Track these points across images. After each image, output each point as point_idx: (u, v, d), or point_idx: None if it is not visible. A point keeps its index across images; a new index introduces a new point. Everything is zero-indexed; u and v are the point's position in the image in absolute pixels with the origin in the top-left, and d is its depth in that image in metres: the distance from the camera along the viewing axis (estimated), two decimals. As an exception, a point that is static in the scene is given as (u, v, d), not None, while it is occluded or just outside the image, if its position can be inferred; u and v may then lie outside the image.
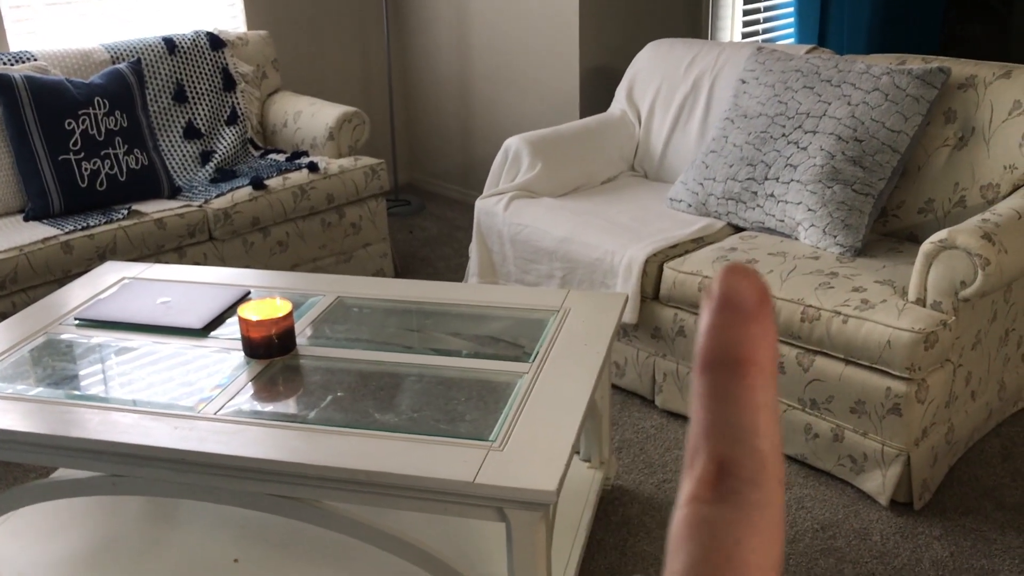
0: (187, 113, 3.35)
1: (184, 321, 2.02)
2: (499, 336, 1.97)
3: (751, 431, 0.23)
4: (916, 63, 2.55)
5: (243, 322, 1.84)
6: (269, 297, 1.92)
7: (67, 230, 2.71)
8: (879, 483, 2.12)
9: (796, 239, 2.51)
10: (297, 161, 3.25)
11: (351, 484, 1.50)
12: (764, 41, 4.26)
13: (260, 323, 1.83)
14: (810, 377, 2.19)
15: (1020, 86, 2.36)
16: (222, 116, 3.40)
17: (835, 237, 2.40)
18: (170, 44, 3.34)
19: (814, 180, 2.44)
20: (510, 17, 3.84)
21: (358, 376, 1.81)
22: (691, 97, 3.05)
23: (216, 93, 3.41)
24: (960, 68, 2.47)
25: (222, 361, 1.87)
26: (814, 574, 1.95)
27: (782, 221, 2.52)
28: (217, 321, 2.04)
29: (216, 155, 3.33)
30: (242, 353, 1.88)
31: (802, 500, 2.18)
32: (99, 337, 1.99)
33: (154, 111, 3.28)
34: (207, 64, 3.40)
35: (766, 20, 4.29)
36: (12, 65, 2.96)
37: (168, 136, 3.30)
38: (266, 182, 3.06)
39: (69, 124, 2.89)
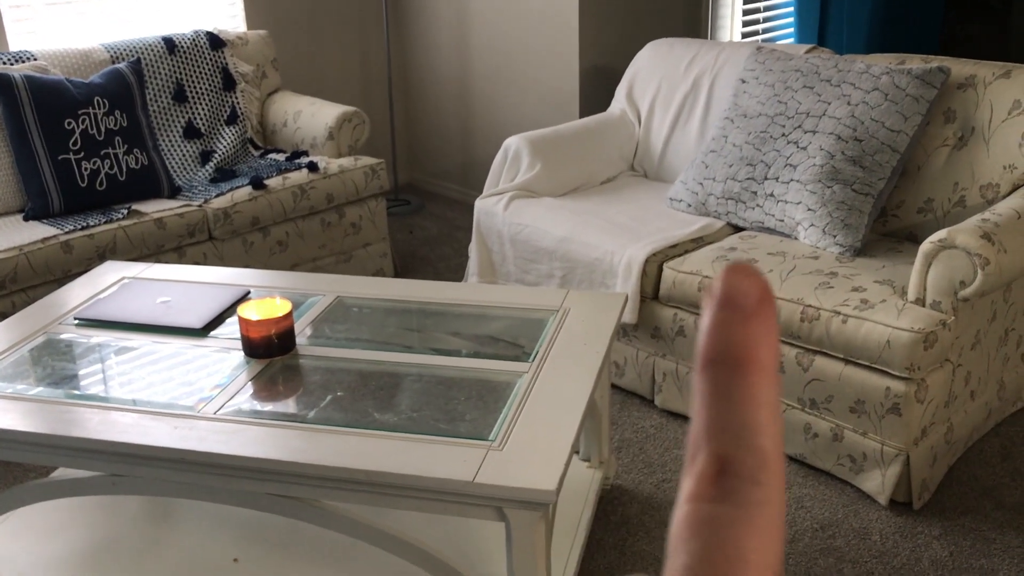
0: (187, 113, 3.35)
1: (184, 321, 2.02)
2: (499, 336, 1.97)
3: (752, 429, 0.23)
4: (916, 63, 2.55)
5: (243, 322, 1.84)
6: (269, 297, 1.92)
7: (67, 230, 2.71)
8: (878, 483, 2.12)
9: (796, 239, 2.51)
10: (297, 161, 3.25)
11: (351, 484, 1.51)
12: (764, 41, 4.26)
13: (260, 323, 1.83)
14: (810, 377, 2.19)
15: (1020, 86, 2.36)
16: (222, 116, 3.40)
17: (835, 237, 2.40)
18: (170, 44, 3.34)
19: (814, 180, 2.45)
20: (510, 17, 3.84)
21: (358, 376, 1.81)
22: (691, 97, 3.05)
23: (216, 93, 3.41)
24: (960, 68, 2.47)
25: (222, 361, 1.87)
26: (813, 573, 1.95)
27: (782, 221, 2.52)
28: (217, 321, 2.04)
29: (216, 155, 3.33)
30: (242, 353, 1.88)
31: (801, 500, 2.18)
32: (99, 337, 1.99)
33: (154, 111, 3.27)
34: (207, 64, 3.40)
35: (766, 20, 4.30)
36: (12, 65, 2.96)
37: (168, 136, 3.30)
38: (266, 182, 3.06)
39: (69, 124, 2.89)
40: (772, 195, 2.54)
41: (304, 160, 3.24)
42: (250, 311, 1.85)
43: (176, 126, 3.32)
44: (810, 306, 2.16)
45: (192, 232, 2.89)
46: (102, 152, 2.93)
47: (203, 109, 3.38)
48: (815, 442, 2.23)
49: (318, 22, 4.10)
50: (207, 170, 3.27)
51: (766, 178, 2.55)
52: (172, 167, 3.25)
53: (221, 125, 3.40)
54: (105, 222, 2.77)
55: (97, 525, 2.02)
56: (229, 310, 2.09)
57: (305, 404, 1.71)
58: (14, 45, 3.25)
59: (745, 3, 4.16)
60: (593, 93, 3.70)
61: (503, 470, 1.45)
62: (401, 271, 3.60)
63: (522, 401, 1.65)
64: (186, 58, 3.36)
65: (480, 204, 2.93)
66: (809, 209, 2.45)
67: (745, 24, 4.20)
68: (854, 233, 2.39)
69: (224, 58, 3.44)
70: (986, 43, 4.82)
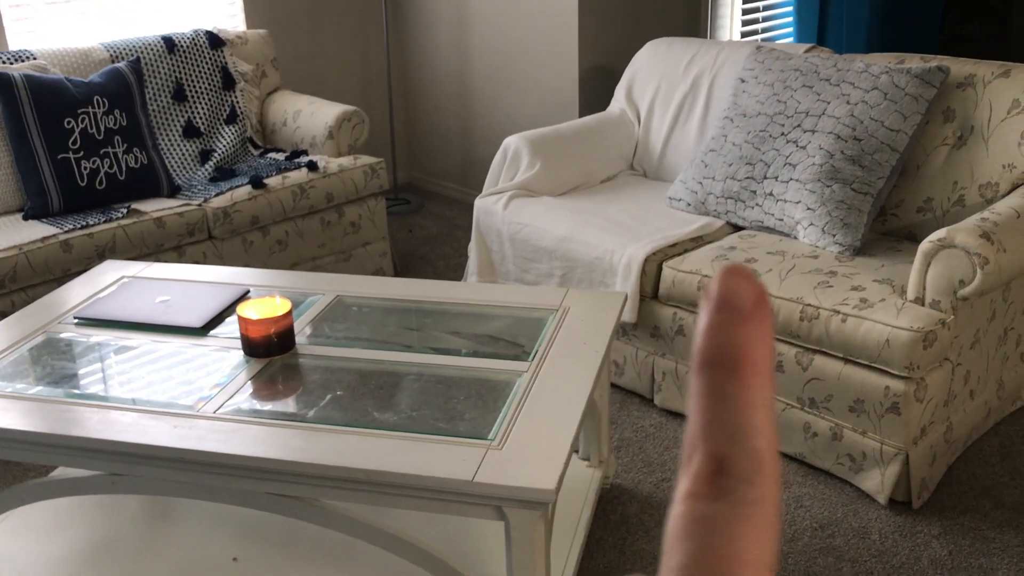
0: (186, 112, 3.35)
1: (183, 320, 2.02)
2: (498, 335, 1.97)
3: (748, 430, 0.24)
4: (915, 62, 2.55)
5: (242, 321, 1.84)
6: (268, 296, 1.92)
7: (66, 229, 2.71)
8: (878, 482, 2.12)
9: (795, 238, 2.51)
10: (296, 160, 3.25)
11: (350, 483, 1.51)
12: (763, 40, 4.26)
13: (259, 322, 1.84)
14: (809, 376, 2.19)
15: (1019, 85, 2.36)
16: (221, 115, 3.41)
17: (834, 236, 2.40)
18: (169, 43, 3.34)
19: (813, 179, 2.45)
20: (510, 17, 3.84)
21: (357, 375, 1.81)
22: (690, 96, 3.05)
23: (215, 92, 3.41)
24: (959, 67, 2.47)
25: (221, 360, 1.87)
26: (813, 572, 1.95)
27: (781, 220, 2.53)
28: (216, 320, 2.04)
29: (215, 154, 3.33)
30: (241, 352, 1.88)
31: (801, 499, 2.18)
32: (98, 336, 1.99)
33: (153, 110, 3.28)
34: (206, 63, 3.40)
35: (765, 19, 4.30)
36: (11, 64, 2.96)
37: (167, 135, 3.30)
38: (265, 181, 3.06)
39: (68, 123, 2.89)
40: (771, 194, 2.54)
41: (304, 159, 3.24)
42: (250, 310, 1.85)
43: (176, 125, 3.32)
44: (809, 305, 2.16)
45: (192, 231, 2.90)
46: (101, 151, 2.93)
47: (203, 108, 3.38)
48: (814, 441, 2.23)
49: (318, 21, 4.10)
50: (207, 169, 3.27)
51: (765, 177, 2.56)
52: (172, 166, 3.25)
53: (221, 124, 3.40)
54: (104, 221, 2.77)
55: (97, 524, 2.02)
56: (229, 309, 2.09)
57: (305, 403, 1.71)
58: (14, 44, 3.25)
59: (744, 2, 4.16)
60: (593, 92, 3.70)
61: (502, 469, 1.45)
62: (401, 270, 3.60)
63: (521, 400, 1.65)
64: (186, 57, 3.36)
65: (479, 203, 2.93)
66: (808, 208, 2.45)
67: (744, 23, 4.20)
68: (853, 232, 2.39)
69: (224, 57, 3.44)
70: (986, 43, 4.82)
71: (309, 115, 3.39)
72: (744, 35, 4.22)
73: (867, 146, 2.43)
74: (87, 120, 2.92)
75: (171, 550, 1.92)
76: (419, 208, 4.30)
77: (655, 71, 3.17)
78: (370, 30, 4.29)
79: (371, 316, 2.09)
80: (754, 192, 2.58)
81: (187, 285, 2.21)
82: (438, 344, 1.95)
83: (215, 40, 3.43)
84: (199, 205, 2.94)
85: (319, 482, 1.52)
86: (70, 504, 2.09)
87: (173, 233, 2.86)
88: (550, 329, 1.93)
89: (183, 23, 3.67)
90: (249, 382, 1.77)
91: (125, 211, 2.84)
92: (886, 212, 2.55)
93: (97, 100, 2.96)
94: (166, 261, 2.84)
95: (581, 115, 3.66)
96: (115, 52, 3.22)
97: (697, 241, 2.59)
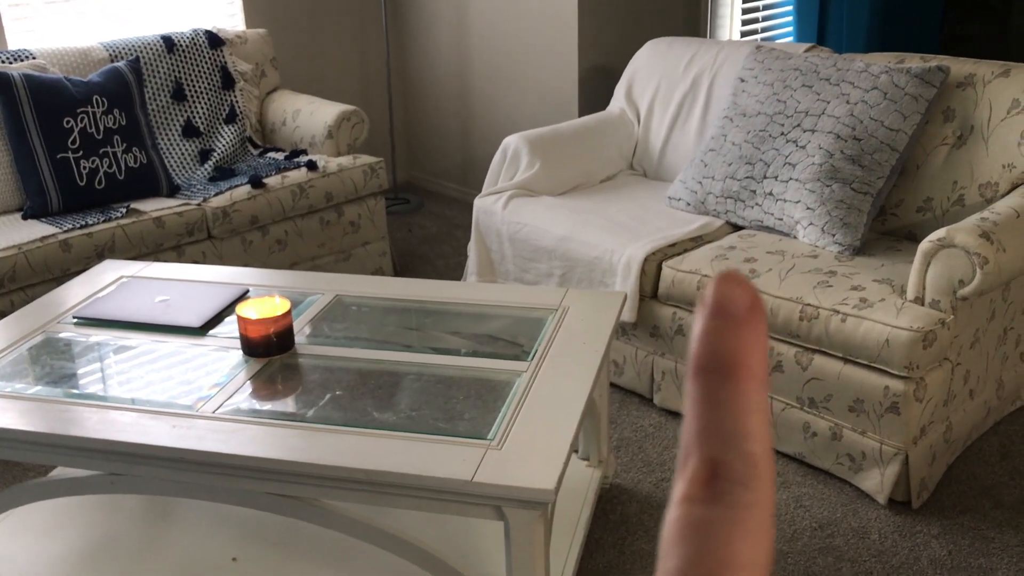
0: (186, 111, 3.35)
1: (182, 320, 2.02)
2: (498, 335, 1.97)
3: (742, 434, 0.24)
4: (915, 62, 2.55)
5: (241, 321, 1.84)
6: (268, 295, 1.92)
7: (65, 228, 2.71)
8: (877, 482, 2.13)
9: (795, 238, 2.51)
10: (296, 159, 3.25)
11: (350, 483, 1.51)
12: (763, 40, 4.26)
13: (259, 322, 1.84)
14: (808, 376, 2.19)
15: (1019, 85, 2.36)
16: (221, 114, 3.41)
17: (834, 236, 2.40)
18: (169, 42, 3.34)
19: (813, 179, 2.45)
20: (510, 16, 3.84)
21: (357, 375, 1.81)
22: (690, 96, 3.05)
23: (215, 91, 3.41)
24: (959, 67, 2.47)
25: (220, 360, 1.87)
26: (812, 572, 1.95)
27: (781, 220, 2.53)
28: (215, 320, 2.04)
29: (215, 153, 3.33)
30: (240, 352, 1.88)
31: (800, 499, 2.18)
32: (97, 336, 1.99)
33: (153, 109, 3.28)
34: (206, 62, 3.40)
35: (765, 19, 4.30)
36: (11, 63, 2.96)
37: (167, 134, 3.30)
38: (265, 180, 3.06)
39: (68, 122, 2.89)
40: (771, 194, 2.54)
41: (303, 159, 3.24)
42: (249, 310, 1.85)
43: (175, 125, 3.32)
44: (809, 305, 2.16)
45: (191, 231, 2.90)
46: (101, 151, 2.93)
47: (202, 108, 3.38)
48: (814, 441, 2.23)
49: (317, 21, 4.10)
50: (206, 169, 3.27)
51: (765, 177, 2.56)
52: (171, 166, 3.25)
53: (220, 124, 3.40)
54: (104, 221, 2.77)
55: (96, 524, 2.02)
56: (228, 309, 2.09)
57: (304, 403, 1.71)
58: (13, 44, 3.25)
59: (744, 2, 4.16)
60: (592, 92, 3.70)
61: (502, 469, 1.45)
62: (400, 270, 3.60)
63: (521, 400, 1.65)
64: (185, 57, 3.36)
65: (479, 203, 2.93)
66: (808, 208, 2.45)
67: (744, 23, 4.20)
68: (853, 232, 2.39)
69: (223, 57, 3.44)
70: (986, 43, 4.82)
71: (308, 115, 3.39)
72: (744, 35, 4.22)
73: (867, 146, 2.43)
74: (86, 120, 2.92)
75: (171, 550, 1.92)
76: (419, 208, 4.30)
77: (655, 71, 3.17)
78: (370, 30, 4.29)
79: (370, 316, 2.09)
80: (754, 192, 2.58)
81: (186, 285, 2.21)
82: (437, 344, 1.95)
83: (214, 39, 3.43)
84: (198, 205, 2.94)
85: (319, 482, 1.53)
86: (69, 504, 2.09)
87: (172, 233, 2.86)
88: (549, 329, 1.93)
89: (182, 22, 3.67)
90: (248, 382, 1.77)
91: (124, 211, 2.84)
92: (886, 212, 2.55)
93: (96, 100, 2.96)
94: (165, 261, 2.84)
95: (581, 115, 3.66)
96: (114, 51, 3.22)
97: (697, 241, 2.59)
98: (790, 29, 4.36)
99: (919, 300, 2.08)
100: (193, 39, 3.39)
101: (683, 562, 0.23)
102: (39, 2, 3.30)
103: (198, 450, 1.54)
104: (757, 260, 2.39)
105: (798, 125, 2.55)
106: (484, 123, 4.13)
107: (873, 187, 2.41)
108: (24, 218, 2.84)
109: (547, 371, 1.76)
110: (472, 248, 2.97)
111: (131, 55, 3.24)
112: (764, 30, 4.31)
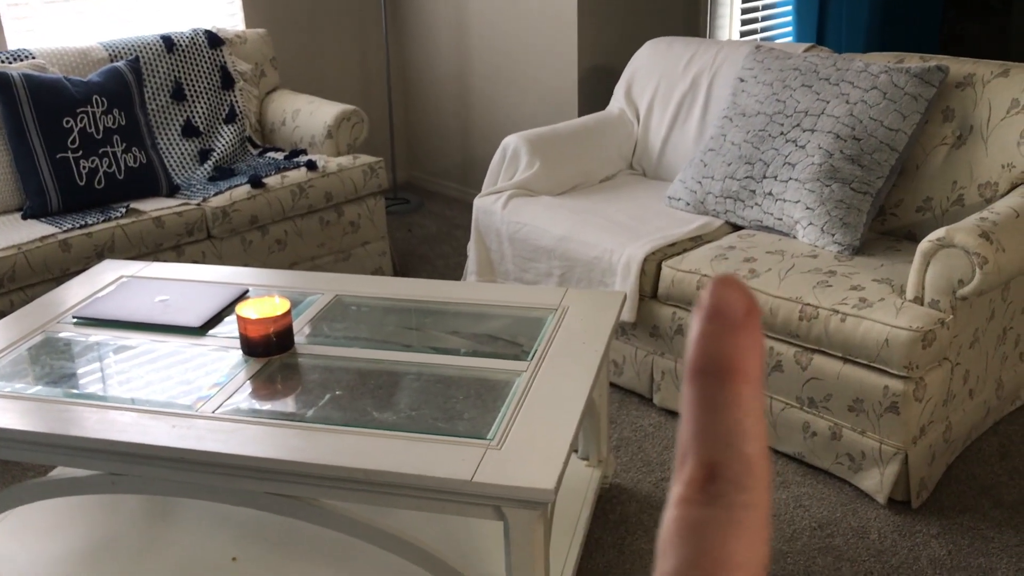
0: (185, 111, 3.35)
1: (182, 319, 2.02)
2: (497, 334, 1.97)
3: (738, 436, 0.24)
4: (914, 62, 2.55)
5: (241, 320, 1.84)
6: (267, 295, 1.92)
7: (65, 228, 2.71)
8: (877, 481, 2.13)
9: (794, 237, 2.51)
10: (295, 159, 3.25)
11: (349, 483, 1.51)
12: (762, 39, 4.26)
13: (258, 321, 1.84)
14: (808, 375, 2.19)
15: (1018, 85, 2.37)
16: (220, 114, 3.41)
17: (833, 235, 2.41)
18: (168, 42, 3.34)
19: (812, 178, 2.45)
20: (509, 16, 3.84)
21: (356, 375, 1.82)
22: (689, 95, 3.05)
23: (214, 91, 3.41)
24: (958, 67, 2.47)
25: (220, 359, 1.87)
26: (812, 572, 1.96)
27: (780, 219, 2.53)
28: (215, 319, 2.04)
29: (214, 153, 3.33)
30: (240, 351, 1.88)
31: (800, 498, 2.18)
32: (97, 335, 2.00)
33: (152, 109, 3.28)
34: (205, 62, 3.40)
35: (764, 18, 4.30)
36: (10, 63, 2.96)
37: (166, 134, 3.30)
38: (264, 180, 3.06)
39: (67, 122, 2.89)
40: (771, 194, 2.54)
41: (303, 159, 3.24)
42: (248, 310, 1.85)
43: (175, 125, 3.33)
44: (809, 304, 2.16)
45: (191, 231, 2.90)
46: (100, 151, 2.94)
47: (202, 108, 3.38)
48: (813, 441, 2.23)
49: (317, 21, 4.10)
50: (206, 168, 3.27)
51: (765, 177, 2.56)
52: (171, 166, 3.25)
53: (220, 124, 3.40)
54: (103, 220, 2.77)
55: (96, 524, 2.02)
56: (227, 309, 2.09)
57: (304, 403, 1.71)
58: (12, 43, 3.25)
59: (744, 2, 4.16)
60: (592, 92, 3.70)
61: (501, 469, 1.45)
62: (400, 270, 3.60)
63: (520, 400, 1.66)
64: (185, 57, 3.36)
65: (479, 203, 2.93)
66: (808, 208, 2.45)
67: (744, 23, 4.20)
68: (853, 232, 2.39)
69: (223, 56, 3.44)
70: (986, 43, 4.82)
71: (308, 114, 3.39)
72: (743, 34, 4.22)
73: (866, 145, 2.43)
74: (86, 119, 2.92)
75: (171, 550, 1.92)
76: (418, 207, 4.30)
77: (654, 70, 3.18)
78: (370, 30, 4.29)
79: (370, 316, 2.10)
80: (753, 191, 2.58)
81: (186, 285, 2.21)
82: (437, 344, 1.95)
83: (214, 39, 3.43)
84: (198, 204, 2.94)
85: (318, 482, 1.53)
86: (69, 504, 2.09)
87: (172, 232, 2.86)
88: (549, 329, 1.93)
89: (182, 22, 3.67)
90: (248, 382, 1.78)
91: (124, 210, 2.84)
92: (885, 211, 2.55)
93: (96, 99, 2.96)
94: (165, 260, 2.84)
95: (580, 115, 3.66)
96: (114, 51, 3.22)
97: (696, 241, 2.59)
98: (790, 29, 4.36)
99: (918, 300, 2.08)
100: (193, 39, 3.39)
101: (681, 563, 0.23)
102: (39, 2, 3.30)
103: (198, 450, 1.54)
104: (756, 260, 2.39)
105: (797, 125, 2.55)
106: (484, 123, 4.13)
107: (872, 187, 2.41)
108: (24, 218, 2.84)
109: (547, 371, 1.76)
110: (472, 248, 2.98)
111: (131, 55, 3.24)
112: (763, 30, 4.31)
